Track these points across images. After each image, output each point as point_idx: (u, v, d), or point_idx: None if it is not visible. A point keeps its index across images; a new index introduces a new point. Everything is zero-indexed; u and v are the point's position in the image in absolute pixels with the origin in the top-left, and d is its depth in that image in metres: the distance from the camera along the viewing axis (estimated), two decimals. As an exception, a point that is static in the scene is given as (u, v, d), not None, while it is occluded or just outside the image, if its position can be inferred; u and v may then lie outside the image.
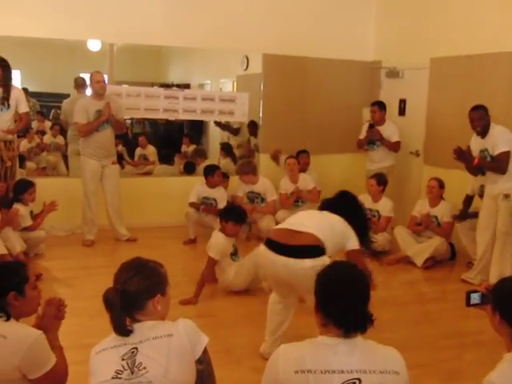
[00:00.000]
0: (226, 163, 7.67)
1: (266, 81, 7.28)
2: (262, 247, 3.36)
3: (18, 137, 6.13)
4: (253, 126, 7.63)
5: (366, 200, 6.30)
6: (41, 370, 2.22)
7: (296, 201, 6.62)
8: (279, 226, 3.47)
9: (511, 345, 2.03)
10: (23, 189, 5.45)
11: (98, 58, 6.88)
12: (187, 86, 8.26)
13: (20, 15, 6.04)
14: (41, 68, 7.82)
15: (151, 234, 6.47)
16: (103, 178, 6.16)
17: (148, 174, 7.93)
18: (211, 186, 6.38)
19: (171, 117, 7.29)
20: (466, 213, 5.73)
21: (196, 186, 6.44)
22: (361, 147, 6.94)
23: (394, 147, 6.69)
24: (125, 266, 2.11)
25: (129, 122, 8.02)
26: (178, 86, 8.05)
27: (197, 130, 8.88)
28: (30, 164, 7.30)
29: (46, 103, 8.04)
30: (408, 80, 7.19)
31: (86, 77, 6.67)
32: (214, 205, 6.31)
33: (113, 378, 1.93)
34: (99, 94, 5.96)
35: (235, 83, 8.14)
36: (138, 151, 8.29)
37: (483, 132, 4.97)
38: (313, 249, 3.14)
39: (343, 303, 1.89)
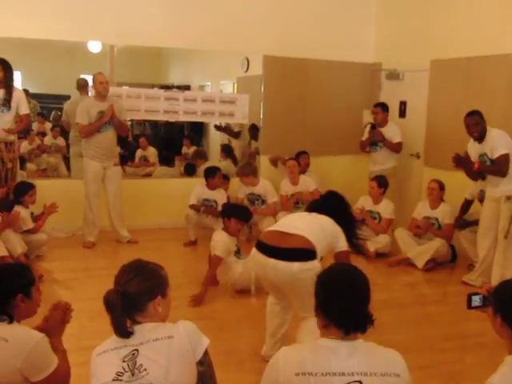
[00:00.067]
0: (226, 165, 7.67)
1: (266, 82, 7.29)
2: (253, 250, 3.36)
3: (19, 138, 6.14)
4: (253, 130, 7.64)
5: (367, 202, 6.33)
6: (43, 372, 2.22)
7: (296, 203, 6.61)
8: (270, 229, 3.44)
9: (513, 347, 2.02)
10: (24, 191, 5.44)
11: (98, 59, 6.89)
12: (187, 88, 8.27)
13: (21, 17, 6.04)
14: (41, 69, 7.83)
15: (152, 236, 6.47)
16: (105, 179, 6.16)
17: (148, 175, 7.94)
18: (211, 187, 6.38)
19: (171, 118, 7.30)
20: (467, 221, 5.71)
21: (196, 188, 6.44)
22: (363, 148, 6.94)
23: (396, 148, 6.69)
24: (125, 267, 2.12)
25: (129, 123, 8.03)
26: (179, 87, 8.06)
27: (197, 131, 8.89)
28: (30, 165, 7.30)
29: (47, 105, 8.05)
30: (408, 82, 7.19)
31: (88, 78, 6.69)
32: (214, 207, 6.31)
33: (113, 379, 1.93)
34: (102, 95, 5.97)
35: (236, 85, 8.15)
36: (139, 152, 8.30)
37: (480, 137, 4.97)
38: (303, 252, 3.12)
39: (343, 303, 1.90)
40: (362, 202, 6.35)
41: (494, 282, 4.70)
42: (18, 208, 5.25)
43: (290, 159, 6.69)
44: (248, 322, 4.21)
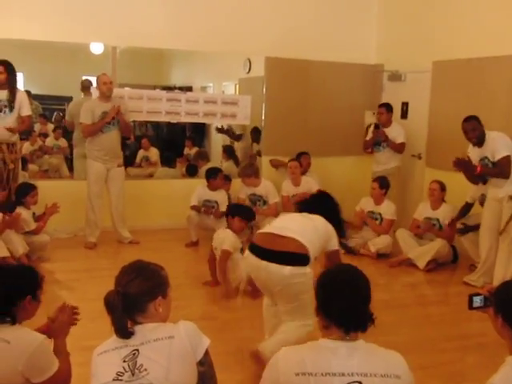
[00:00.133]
0: (228, 166, 7.68)
1: (268, 83, 7.28)
2: (246, 252, 3.36)
3: (21, 139, 6.14)
4: (255, 133, 7.65)
5: (368, 203, 6.33)
6: (44, 374, 2.23)
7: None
8: (263, 231, 3.44)
9: (513, 347, 2.02)
10: (25, 192, 5.45)
11: (100, 60, 6.89)
12: (189, 89, 8.27)
13: (22, 18, 6.05)
14: (43, 71, 7.85)
15: (153, 237, 6.47)
16: (108, 180, 6.16)
17: (150, 176, 7.94)
18: (213, 188, 6.38)
19: (173, 119, 7.30)
20: (468, 226, 5.68)
21: (197, 189, 6.44)
22: (367, 149, 6.94)
23: (399, 148, 6.69)
24: (126, 268, 2.12)
25: (131, 124, 8.03)
26: (181, 88, 8.06)
27: (199, 132, 8.90)
28: (32, 166, 7.30)
29: (49, 106, 8.07)
30: (410, 83, 7.19)
31: (91, 79, 6.70)
32: (215, 208, 6.31)
33: (114, 379, 1.94)
34: (106, 95, 5.97)
35: (237, 86, 8.15)
36: (141, 153, 8.30)
37: (479, 142, 4.96)
38: (295, 256, 3.12)
39: (343, 303, 1.90)
40: (363, 203, 6.35)
41: (496, 282, 4.69)
42: (19, 209, 5.25)
43: (291, 160, 6.69)
44: (248, 323, 4.21)
